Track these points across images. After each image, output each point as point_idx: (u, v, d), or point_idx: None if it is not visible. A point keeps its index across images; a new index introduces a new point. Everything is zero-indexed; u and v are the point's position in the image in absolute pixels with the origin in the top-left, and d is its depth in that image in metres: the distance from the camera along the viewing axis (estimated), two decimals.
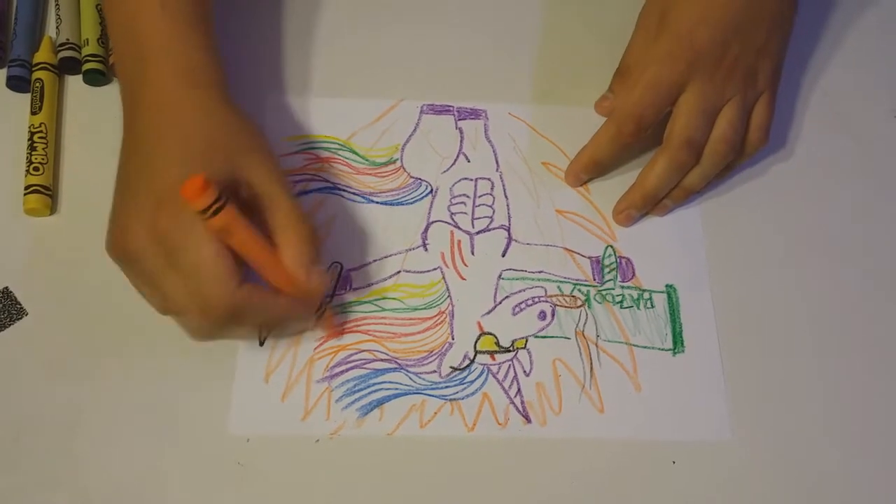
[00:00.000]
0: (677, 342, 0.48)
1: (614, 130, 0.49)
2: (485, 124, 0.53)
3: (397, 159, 0.52)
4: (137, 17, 0.45)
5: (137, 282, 0.42)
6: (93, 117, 0.52)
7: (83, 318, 0.47)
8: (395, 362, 0.47)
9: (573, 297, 0.49)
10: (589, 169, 0.51)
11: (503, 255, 0.50)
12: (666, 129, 0.49)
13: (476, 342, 0.48)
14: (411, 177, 0.51)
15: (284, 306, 0.42)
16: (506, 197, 0.52)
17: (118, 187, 0.43)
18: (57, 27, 0.54)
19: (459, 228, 0.50)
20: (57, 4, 0.54)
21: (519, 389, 0.47)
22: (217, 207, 0.38)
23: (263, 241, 0.41)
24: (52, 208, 0.49)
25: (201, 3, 0.46)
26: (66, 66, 0.53)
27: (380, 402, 0.46)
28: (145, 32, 0.44)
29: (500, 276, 0.49)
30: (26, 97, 0.52)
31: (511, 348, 0.48)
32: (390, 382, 0.46)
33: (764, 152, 0.53)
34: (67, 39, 0.53)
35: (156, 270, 0.40)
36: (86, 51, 0.53)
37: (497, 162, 0.53)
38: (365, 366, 0.46)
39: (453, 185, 0.51)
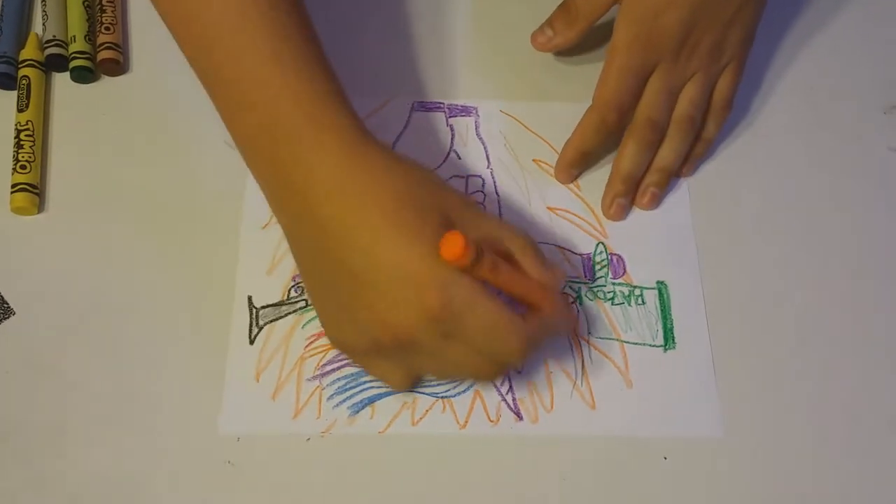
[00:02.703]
0: (668, 338, 0.48)
1: (598, 120, 0.50)
2: (475, 121, 0.53)
3: None
4: (260, 86, 0.39)
5: (411, 363, 0.41)
6: (80, 115, 0.52)
7: (70, 318, 0.46)
8: None
9: (564, 294, 0.49)
10: (577, 162, 0.52)
11: None
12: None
13: None
14: None
15: (551, 316, 0.42)
16: (497, 194, 0.51)
17: (328, 286, 0.40)
18: (43, 24, 0.53)
19: None
20: (43, 1, 0.54)
21: (510, 387, 0.46)
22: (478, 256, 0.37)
23: (515, 269, 0.41)
24: (40, 207, 0.49)
25: (315, 42, 0.42)
26: (53, 64, 0.53)
27: (371, 400, 0.45)
28: (278, 104, 0.39)
29: None
30: (12, 95, 0.52)
31: None
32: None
33: (754, 149, 0.53)
34: (54, 36, 0.53)
35: (437, 348, 0.39)
36: (73, 48, 0.52)
37: (488, 159, 0.52)
38: (356, 364, 0.46)
39: None
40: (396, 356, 0.41)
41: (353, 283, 0.39)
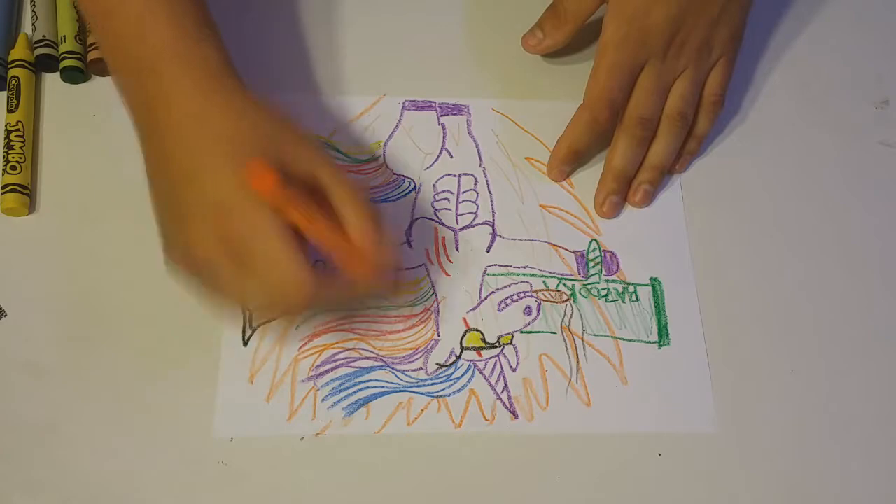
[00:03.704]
0: (663, 335, 0.48)
1: (589, 118, 0.50)
2: (467, 120, 0.53)
3: (380, 156, 0.52)
4: (142, 29, 0.43)
5: (208, 290, 0.42)
6: (71, 115, 0.52)
7: (62, 319, 0.46)
8: (381, 360, 0.46)
9: (558, 291, 0.49)
10: (569, 160, 0.52)
11: (488, 251, 0.50)
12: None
13: (462, 338, 0.47)
14: (394, 174, 0.51)
15: (358, 286, 0.43)
16: (490, 192, 0.51)
17: (162, 206, 0.43)
18: (33, 24, 0.53)
19: (443, 225, 0.50)
20: (33, 1, 0.53)
21: (506, 385, 0.46)
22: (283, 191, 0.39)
23: (333, 223, 0.41)
24: (31, 207, 0.49)
25: (202, 7, 0.45)
26: (43, 64, 0.52)
27: (366, 401, 0.45)
28: (154, 44, 0.43)
29: (485, 272, 0.49)
30: (2, 95, 0.51)
31: (497, 344, 0.47)
32: (376, 381, 0.46)
33: (746, 146, 0.53)
34: (44, 36, 0.52)
35: (230, 276, 0.40)
36: (63, 48, 0.52)
37: (480, 157, 0.52)
38: (350, 364, 0.46)
39: (437, 182, 0.51)
40: (203, 282, 0.42)
41: (177, 208, 0.42)
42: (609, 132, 0.51)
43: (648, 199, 0.52)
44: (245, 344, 0.46)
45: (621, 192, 0.51)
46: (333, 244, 0.41)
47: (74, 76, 0.52)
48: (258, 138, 0.42)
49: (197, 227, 0.40)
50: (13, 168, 0.49)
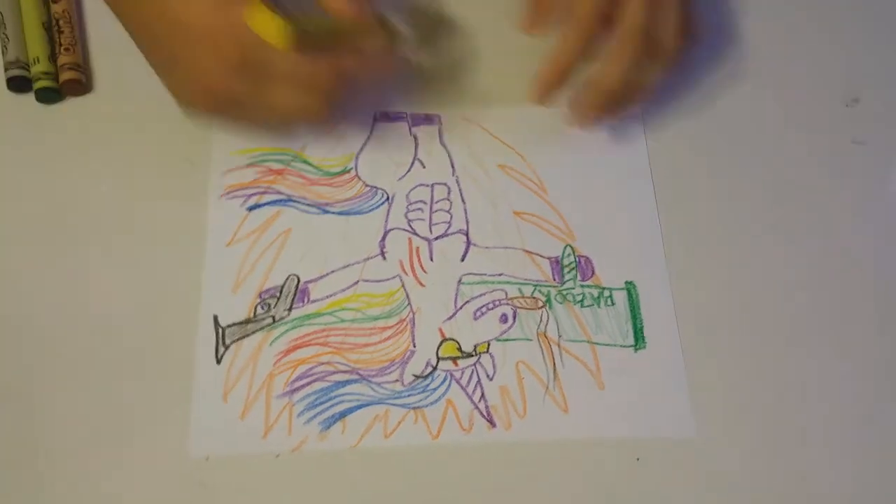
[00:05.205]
0: (639, 338, 0.48)
1: (578, 33, 0.48)
2: (439, 129, 0.53)
3: (351, 168, 0.52)
4: None
5: (234, 117, 0.45)
6: (43, 135, 0.51)
7: (33, 340, 0.46)
8: (357, 373, 0.46)
9: (534, 298, 0.49)
10: (557, 81, 0.49)
11: (462, 260, 0.50)
12: (617, 22, 0.48)
13: (438, 349, 0.47)
14: (366, 185, 0.51)
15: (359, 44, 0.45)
16: (463, 201, 0.51)
17: (156, 59, 0.44)
18: (3, 47, 0.53)
19: (417, 235, 0.50)
20: (3, 25, 0.53)
21: (483, 394, 0.46)
22: None
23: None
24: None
25: None
26: (16, 86, 0.52)
27: (342, 415, 0.45)
28: None
29: (459, 281, 0.49)
30: None
31: (473, 353, 0.47)
32: (352, 394, 0.46)
33: (719, 146, 0.53)
34: (17, 58, 0.52)
35: (257, 94, 0.42)
36: (36, 69, 0.52)
37: (453, 167, 0.52)
38: (326, 378, 0.46)
39: (409, 192, 0.51)
40: (229, 107, 0.44)
41: (171, 41, 0.43)
42: (595, 46, 0.48)
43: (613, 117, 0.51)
44: (218, 362, 0.46)
45: (605, 109, 0.50)
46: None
47: (49, 96, 0.52)
48: None
49: (194, 61, 0.42)
50: None
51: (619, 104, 0.50)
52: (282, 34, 0.41)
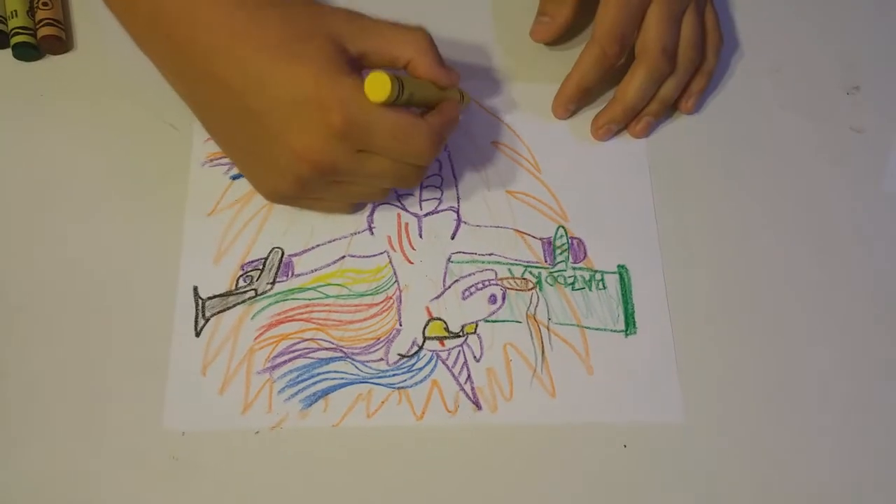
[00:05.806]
0: (629, 323, 0.47)
1: (599, 53, 0.49)
2: None
3: None
4: None
5: (338, 193, 0.44)
6: (21, 94, 0.49)
7: (5, 310, 0.44)
8: (341, 351, 0.45)
9: (524, 279, 0.48)
10: (576, 97, 0.51)
11: (452, 238, 0.49)
12: (637, 42, 0.50)
13: (424, 328, 0.46)
14: None
15: (451, 112, 0.44)
16: (454, 178, 0.50)
17: (236, 133, 0.42)
18: None
19: (407, 211, 0.49)
20: None
21: (469, 376, 0.45)
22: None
23: (414, 76, 0.43)
24: None
25: None
26: None
27: (325, 393, 0.44)
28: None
29: (449, 260, 0.48)
30: None
31: (461, 333, 0.46)
32: (335, 372, 0.45)
33: (717, 132, 0.53)
34: None
35: (356, 164, 0.41)
36: (13, 23, 0.50)
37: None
38: (309, 355, 0.45)
39: None
40: (324, 185, 0.43)
41: (255, 122, 0.40)
42: (616, 69, 0.50)
43: (649, 130, 0.52)
44: (197, 335, 0.44)
45: (623, 124, 0.51)
46: (426, 94, 0.43)
47: (27, 52, 0.50)
48: (309, 21, 0.40)
49: (299, 133, 0.40)
50: None
51: (645, 120, 0.52)
52: (392, 90, 0.39)
